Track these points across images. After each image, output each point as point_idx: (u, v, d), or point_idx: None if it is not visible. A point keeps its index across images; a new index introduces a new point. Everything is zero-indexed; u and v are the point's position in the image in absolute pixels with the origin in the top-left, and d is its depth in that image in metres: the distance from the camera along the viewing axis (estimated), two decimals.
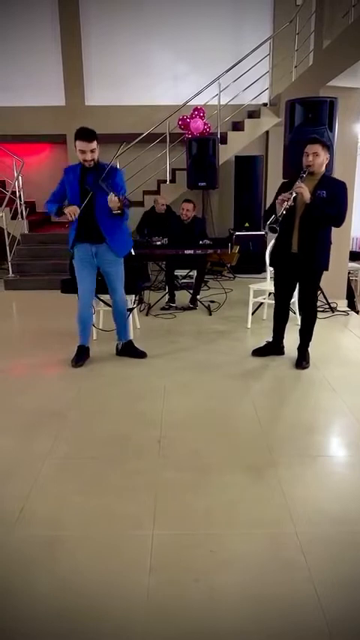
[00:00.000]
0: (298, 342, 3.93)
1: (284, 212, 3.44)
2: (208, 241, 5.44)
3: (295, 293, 4.21)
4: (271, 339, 4.09)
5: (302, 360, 3.87)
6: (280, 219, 3.45)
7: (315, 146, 3.46)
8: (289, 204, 3.43)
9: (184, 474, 2.50)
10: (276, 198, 3.57)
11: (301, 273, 3.73)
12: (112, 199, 3.46)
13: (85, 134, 3.46)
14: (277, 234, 3.70)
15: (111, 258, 3.79)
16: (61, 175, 3.74)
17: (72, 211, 3.56)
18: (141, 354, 4.09)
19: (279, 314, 4.01)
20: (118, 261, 3.84)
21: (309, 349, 3.92)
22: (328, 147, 3.58)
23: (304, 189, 3.42)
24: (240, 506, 2.25)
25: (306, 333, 3.88)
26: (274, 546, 2.01)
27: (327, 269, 3.73)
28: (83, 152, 3.49)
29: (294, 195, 3.44)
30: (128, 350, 4.11)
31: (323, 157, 3.49)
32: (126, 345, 4.13)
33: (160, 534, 2.07)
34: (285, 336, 4.07)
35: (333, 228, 3.63)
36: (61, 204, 3.68)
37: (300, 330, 3.91)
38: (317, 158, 3.46)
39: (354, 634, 1.65)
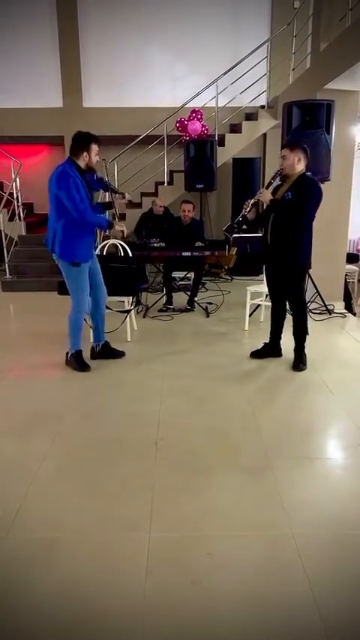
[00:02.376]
0: (294, 343, 3.93)
1: (240, 219, 3.72)
2: (201, 244, 5.45)
3: None
4: (268, 341, 4.09)
5: (298, 362, 3.87)
6: (241, 219, 3.69)
7: (284, 150, 3.67)
8: (247, 210, 3.69)
9: (181, 476, 2.50)
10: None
11: (281, 272, 3.81)
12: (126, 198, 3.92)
13: (98, 138, 3.61)
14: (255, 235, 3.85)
15: (95, 256, 3.93)
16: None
17: (125, 228, 3.82)
18: (120, 354, 4.09)
19: (274, 313, 4.03)
20: (96, 257, 3.97)
21: (305, 351, 3.92)
22: (302, 149, 3.63)
23: (263, 195, 3.65)
24: (237, 508, 2.25)
25: (297, 334, 3.89)
26: (270, 548, 2.01)
27: (304, 269, 3.82)
28: (98, 154, 3.63)
29: (253, 200, 3.68)
30: (108, 351, 4.09)
31: (292, 158, 3.59)
32: (105, 346, 4.10)
33: (157, 536, 2.07)
34: (283, 337, 4.07)
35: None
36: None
37: (293, 332, 3.93)
38: (285, 160, 3.62)
39: (351, 635, 1.65)
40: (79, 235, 3.64)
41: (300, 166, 3.62)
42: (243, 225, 3.74)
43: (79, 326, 3.87)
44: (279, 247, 3.69)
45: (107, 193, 4.03)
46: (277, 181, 3.80)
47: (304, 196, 3.53)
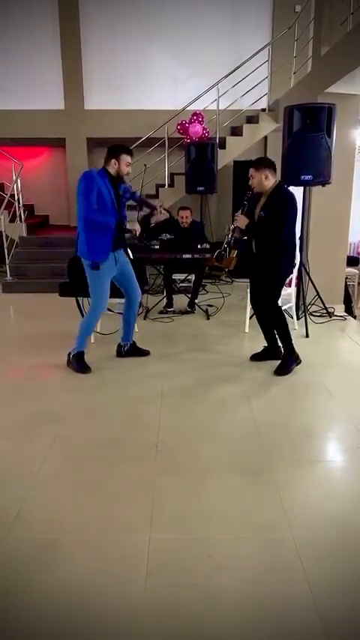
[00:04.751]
0: (297, 345, 3.93)
1: (225, 246, 3.95)
2: (207, 245, 5.45)
3: (292, 296, 4.24)
4: (267, 344, 4.10)
5: (282, 366, 3.85)
6: (224, 252, 3.98)
7: (250, 170, 3.77)
8: (229, 236, 3.90)
9: (181, 478, 2.50)
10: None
11: (259, 277, 3.87)
12: (161, 213, 4.07)
13: (131, 151, 3.75)
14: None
15: (125, 258, 4.01)
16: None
17: (139, 229, 3.98)
18: (146, 353, 4.21)
19: (258, 320, 4.07)
20: (128, 260, 4.05)
21: (297, 357, 3.89)
22: (267, 164, 3.71)
23: (239, 221, 3.80)
24: (237, 510, 2.26)
25: (280, 337, 3.88)
26: (270, 550, 2.01)
27: (283, 277, 3.88)
28: (129, 165, 3.73)
29: (233, 227, 3.87)
30: (135, 350, 4.20)
31: (259, 176, 3.68)
32: (132, 345, 4.21)
33: (157, 538, 2.07)
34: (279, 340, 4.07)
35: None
36: (117, 219, 3.71)
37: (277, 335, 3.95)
38: (252, 180, 3.73)
39: (350, 636, 1.65)
40: (95, 235, 3.71)
41: (269, 182, 3.69)
42: (230, 247, 3.99)
43: (90, 328, 3.93)
44: (261, 255, 3.77)
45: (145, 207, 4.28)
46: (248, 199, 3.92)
47: (280, 217, 3.59)
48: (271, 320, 3.88)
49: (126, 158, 3.70)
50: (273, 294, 3.83)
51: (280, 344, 4.05)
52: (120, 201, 3.79)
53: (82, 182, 3.63)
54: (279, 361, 4.02)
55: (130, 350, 4.19)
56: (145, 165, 3.75)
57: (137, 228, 3.91)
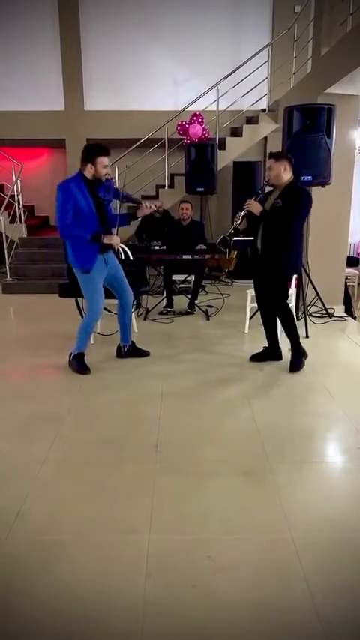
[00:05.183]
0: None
1: (232, 232, 3.81)
2: (203, 246, 5.45)
3: (292, 297, 4.24)
4: (267, 345, 4.10)
5: (294, 364, 3.88)
6: (229, 238, 3.83)
7: (269, 160, 3.75)
8: (238, 222, 3.75)
9: (181, 479, 2.50)
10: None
11: (266, 276, 3.85)
12: (148, 207, 3.85)
13: (107, 150, 3.62)
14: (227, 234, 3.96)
15: (115, 260, 3.96)
16: (58, 183, 3.65)
17: (117, 243, 3.81)
18: (145, 354, 4.21)
19: (263, 319, 4.07)
20: (118, 262, 4.00)
21: (303, 351, 3.93)
22: (286, 158, 3.71)
23: (252, 206, 3.69)
24: (237, 511, 2.25)
25: (289, 335, 3.91)
26: (270, 551, 2.01)
27: (290, 274, 3.90)
28: (106, 166, 3.62)
29: (244, 212, 3.72)
30: (134, 351, 4.19)
31: (278, 169, 3.67)
32: (131, 346, 4.20)
33: (157, 538, 2.07)
34: (281, 340, 4.08)
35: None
36: (96, 231, 3.63)
37: (285, 332, 3.97)
38: (271, 171, 3.71)
39: (349, 637, 1.65)
40: (78, 243, 3.68)
41: (287, 175, 3.69)
42: (235, 236, 3.90)
43: (88, 330, 3.92)
44: (267, 253, 3.76)
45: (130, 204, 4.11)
46: (266, 189, 3.89)
47: (294, 206, 3.60)
48: (281, 318, 3.89)
49: (102, 161, 3.57)
50: (283, 292, 3.86)
51: (280, 345, 4.07)
52: (101, 206, 3.70)
53: (59, 193, 3.55)
54: (279, 361, 4.03)
55: (129, 351, 4.19)
56: (126, 165, 3.70)
57: (115, 241, 3.76)
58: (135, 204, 4.00)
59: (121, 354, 4.20)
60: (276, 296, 3.86)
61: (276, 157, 3.71)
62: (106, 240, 3.67)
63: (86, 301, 3.87)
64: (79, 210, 3.58)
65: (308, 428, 3.05)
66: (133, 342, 4.22)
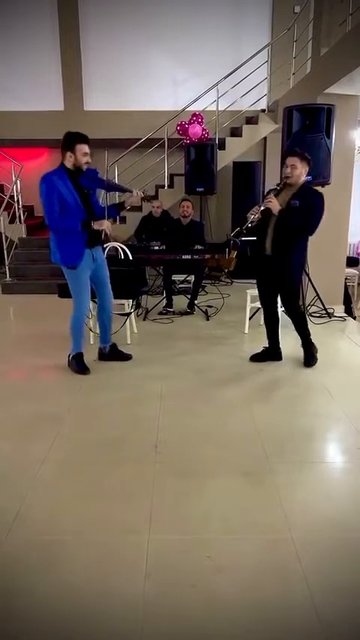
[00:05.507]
0: (293, 346, 3.95)
1: (249, 225, 3.65)
2: (200, 247, 5.45)
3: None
4: (267, 345, 4.10)
5: (309, 358, 3.95)
6: (245, 231, 3.65)
7: (293, 158, 3.63)
8: (256, 217, 3.63)
9: (181, 480, 2.50)
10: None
11: (275, 275, 3.83)
12: (138, 195, 3.70)
13: (86, 137, 3.53)
14: (255, 239, 3.82)
15: (103, 259, 3.92)
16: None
17: (109, 226, 3.65)
18: (127, 357, 4.12)
19: (267, 319, 4.06)
20: (105, 261, 3.95)
21: (314, 345, 4.00)
22: (308, 160, 3.68)
23: (272, 203, 3.60)
24: (236, 512, 2.25)
25: (300, 332, 3.95)
26: (270, 551, 2.01)
27: (300, 272, 3.90)
28: (86, 154, 3.54)
29: (262, 208, 3.62)
30: (115, 353, 4.12)
31: (301, 169, 3.63)
32: (112, 348, 4.13)
33: (157, 539, 2.07)
34: (281, 340, 4.08)
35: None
36: (82, 219, 3.57)
37: (295, 330, 3.99)
38: (295, 170, 3.62)
39: (349, 637, 1.65)
40: (65, 239, 3.65)
41: (303, 176, 3.69)
42: (248, 230, 3.76)
43: (79, 327, 3.86)
44: (279, 253, 3.71)
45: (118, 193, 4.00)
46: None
47: (313, 207, 3.58)
48: (294, 317, 3.90)
49: (82, 148, 3.49)
50: (296, 292, 3.88)
51: (279, 345, 4.08)
52: (85, 196, 3.63)
53: (43, 186, 3.50)
54: (279, 362, 4.03)
55: (110, 352, 4.10)
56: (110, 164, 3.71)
57: (106, 225, 3.63)
58: (124, 192, 3.91)
59: (102, 356, 4.12)
60: (287, 296, 3.86)
61: (301, 156, 3.65)
62: (95, 225, 3.59)
63: (72, 296, 3.80)
64: (64, 202, 3.54)
65: (308, 428, 3.05)
66: (114, 344, 4.14)
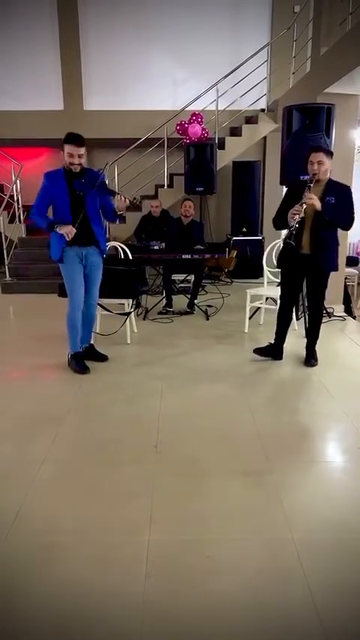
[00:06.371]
0: (293, 346, 3.95)
1: (297, 225, 3.55)
2: (201, 247, 5.46)
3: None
4: (272, 342, 4.08)
5: (311, 358, 3.95)
6: (294, 232, 3.56)
7: (319, 154, 3.58)
8: (300, 216, 3.54)
9: (181, 480, 2.49)
10: (283, 205, 3.71)
11: (311, 274, 3.82)
12: (122, 200, 3.65)
13: (74, 138, 3.53)
14: (286, 237, 3.72)
15: (97, 261, 3.89)
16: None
17: (69, 232, 3.60)
18: (103, 357, 4.10)
19: (284, 316, 4.02)
20: (101, 263, 3.93)
21: (316, 348, 3.99)
22: (332, 154, 3.68)
23: (314, 200, 3.52)
24: (237, 512, 2.25)
25: (314, 332, 3.96)
26: (270, 552, 2.01)
27: (337, 269, 3.85)
28: (71, 156, 3.54)
29: (304, 207, 3.53)
30: (92, 353, 4.10)
31: (327, 164, 3.60)
32: (89, 348, 4.11)
33: (157, 540, 2.07)
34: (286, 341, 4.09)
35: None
36: (51, 220, 3.67)
37: (307, 330, 3.99)
38: (322, 166, 3.58)
39: (350, 637, 1.65)
40: (53, 235, 3.74)
41: (328, 172, 3.68)
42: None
43: (73, 325, 3.85)
44: (319, 248, 3.68)
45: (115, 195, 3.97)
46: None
47: (349, 201, 3.60)
48: (318, 315, 3.92)
49: (66, 148, 3.51)
50: (324, 290, 3.87)
51: (283, 345, 4.08)
52: (76, 198, 3.63)
53: (43, 181, 3.67)
54: (279, 362, 4.03)
55: (87, 353, 4.05)
56: (107, 163, 3.67)
57: (65, 230, 3.59)
58: (113, 195, 3.87)
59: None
60: (320, 295, 3.87)
61: (325, 151, 3.64)
62: (58, 229, 3.61)
63: (67, 293, 3.84)
64: (53, 201, 3.65)
65: (308, 428, 3.05)
66: (92, 345, 4.13)
